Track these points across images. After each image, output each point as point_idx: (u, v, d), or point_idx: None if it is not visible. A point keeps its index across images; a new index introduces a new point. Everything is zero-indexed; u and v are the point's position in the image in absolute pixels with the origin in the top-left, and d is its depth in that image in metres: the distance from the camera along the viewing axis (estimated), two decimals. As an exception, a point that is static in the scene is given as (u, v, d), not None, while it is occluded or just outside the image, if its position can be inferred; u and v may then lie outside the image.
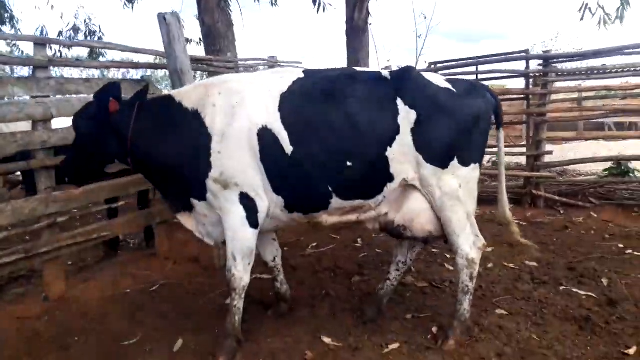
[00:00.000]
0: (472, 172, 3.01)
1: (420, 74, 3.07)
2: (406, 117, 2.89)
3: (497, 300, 3.66)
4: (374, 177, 2.96)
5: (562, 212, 6.52)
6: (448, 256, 4.80)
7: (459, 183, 2.95)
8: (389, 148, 2.89)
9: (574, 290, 3.77)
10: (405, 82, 2.97)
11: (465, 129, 2.92)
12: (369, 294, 3.90)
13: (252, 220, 2.96)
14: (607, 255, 4.62)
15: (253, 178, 2.90)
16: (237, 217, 2.94)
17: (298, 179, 2.92)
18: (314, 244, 5.40)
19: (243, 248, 2.98)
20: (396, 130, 2.89)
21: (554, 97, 7.01)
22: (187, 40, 9.75)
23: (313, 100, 2.94)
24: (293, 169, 2.89)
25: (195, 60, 5.82)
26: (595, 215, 6.25)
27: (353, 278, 4.32)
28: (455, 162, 2.93)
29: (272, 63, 7.06)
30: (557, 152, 7.81)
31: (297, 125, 2.88)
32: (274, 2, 12.12)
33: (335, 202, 2.99)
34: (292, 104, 2.92)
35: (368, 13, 10.90)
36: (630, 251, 4.72)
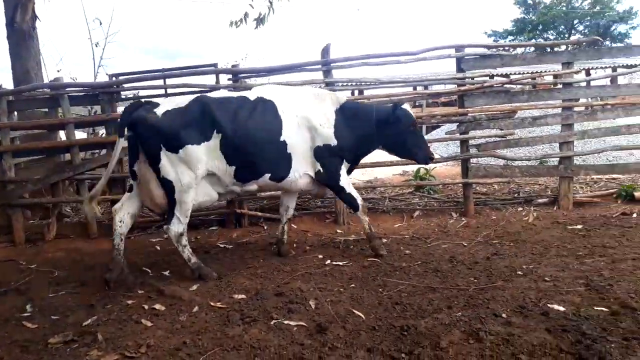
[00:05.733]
0: None
1: None
2: None
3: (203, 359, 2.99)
4: None
5: (265, 227, 6.46)
6: (146, 307, 3.91)
7: None
8: None
9: (285, 322, 3.40)
10: None
11: None
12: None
13: None
14: (310, 270, 4.56)
15: None
16: None
17: None
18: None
19: None
20: None
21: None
22: None
23: None
24: None
25: None
26: (295, 226, 6.39)
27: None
28: None
29: None
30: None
31: None
32: None
33: None
34: None
35: (35, 16, 9.04)
36: (329, 261, 4.80)
